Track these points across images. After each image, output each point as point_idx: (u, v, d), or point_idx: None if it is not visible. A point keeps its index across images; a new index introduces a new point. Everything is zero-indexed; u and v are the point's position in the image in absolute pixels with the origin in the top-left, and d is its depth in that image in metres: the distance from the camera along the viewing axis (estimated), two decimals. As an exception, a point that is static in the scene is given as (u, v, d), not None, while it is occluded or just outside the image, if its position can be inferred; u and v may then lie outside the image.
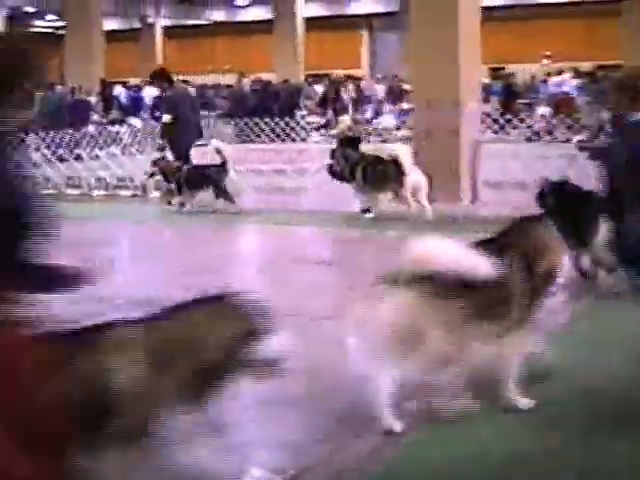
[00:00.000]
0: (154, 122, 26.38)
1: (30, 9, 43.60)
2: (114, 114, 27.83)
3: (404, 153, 12.88)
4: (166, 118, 15.11)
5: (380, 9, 44.45)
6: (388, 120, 27.75)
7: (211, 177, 14.00)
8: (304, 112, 29.25)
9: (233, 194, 13.88)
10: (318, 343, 6.93)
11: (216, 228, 13.09)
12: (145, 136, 24.37)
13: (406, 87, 25.33)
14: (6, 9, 40.38)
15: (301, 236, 12.44)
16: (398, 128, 25.91)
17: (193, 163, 14.91)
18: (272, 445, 5.16)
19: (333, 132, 27.47)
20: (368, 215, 13.02)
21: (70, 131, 21.15)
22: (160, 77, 15.45)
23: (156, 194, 15.66)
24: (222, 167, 13.97)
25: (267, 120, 27.57)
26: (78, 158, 19.30)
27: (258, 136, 27.66)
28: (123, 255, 11.89)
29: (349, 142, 14.04)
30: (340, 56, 44.29)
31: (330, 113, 28.61)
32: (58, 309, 7.93)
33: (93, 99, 27.85)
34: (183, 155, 14.98)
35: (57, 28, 44.15)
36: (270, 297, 8.43)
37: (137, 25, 46.79)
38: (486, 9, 15.03)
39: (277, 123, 27.56)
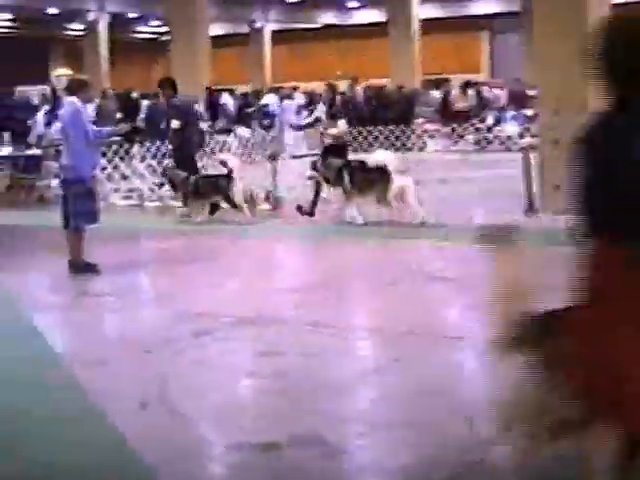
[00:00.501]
0: (263, 131, 26.73)
1: (133, 15, 44.60)
2: (221, 123, 28.19)
3: (390, 160, 14.25)
4: (175, 124, 15.83)
5: (501, 9, 44.11)
6: (511, 127, 27.50)
7: (220, 186, 14.89)
8: (421, 119, 29.18)
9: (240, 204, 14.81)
10: (444, 364, 6.95)
11: (321, 241, 13.16)
12: (254, 146, 24.66)
13: (530, 92, 25.05)
14: (109, 15, 41.40)
15: (419, 250, 12.41)
16: (521, 136, 25.65)
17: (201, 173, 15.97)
18: (387, 471, 5.17)
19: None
20: (358, 222, 14.04)
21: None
22: (166, 85, 16.40)
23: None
24: (229, 177, 14.88)
25: (381, 128, 27.62)
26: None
27: (371, 145, 27.72)
28: (226, 270, 12.05)
29: (335, 150, 15.22)
30: (458, 59, 44.13)
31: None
32: (165, 326, 8.12)
33: (198, 107, 28.27)
34: (189, 164, 15.77)
35: (161, 34, 45.08)
36: (391, 314, 8.56)
37: (244, 30, 47.41)
38: (616, 5, 14.74)
39: (392, 131, 27.60)
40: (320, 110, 19.57)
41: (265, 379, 6.85)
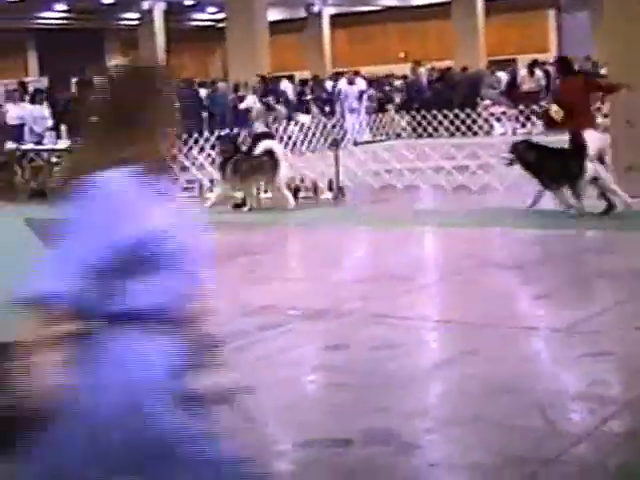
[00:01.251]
0: (324, 118, 26.72)
1: (189, 2, 44.80)
2: (280, 111, 28.23)
3: (276, 147, 15.57)
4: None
5: (567, -15, 43.61)
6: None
7: (264, 167, 15.16)
8: (487, 102, 28.96)
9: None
10: (517, 356, 6.91)
11: (387, 230, 13.14)
12: (315, 133, 24.67)
13: (601, 71, 24.76)
14: (165, 3, 41.63)
15: (486, 238, 12.33)
16: (592, 116, 25.31)
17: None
18: (459, 467, 5.15)
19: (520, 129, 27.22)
20: (245, 208, 15.16)
21: (236, 129, 21.60)
22: None
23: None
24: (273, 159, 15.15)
25: (446, 112, 27.48)
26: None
27: (436, 130, 27.62)
28: (289, 262, 12.08)
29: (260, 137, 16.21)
30: (525, 39, 43.68)
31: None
32: (232, 320, 8.17)
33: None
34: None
35: (218, 21, 45.22)
36: (458, 304, 8.53)
37: (302, 14, 47.39)
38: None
39: (457, 115, 27.44)
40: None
41: (332, 373, 6.86)
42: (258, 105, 22.75)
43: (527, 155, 13.24)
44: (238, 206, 15.84)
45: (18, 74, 41.00)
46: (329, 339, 7.72)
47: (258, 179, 15.62)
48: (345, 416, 5.90)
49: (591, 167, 12.43)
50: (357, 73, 31.35)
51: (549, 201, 13.07)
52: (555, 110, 13.57)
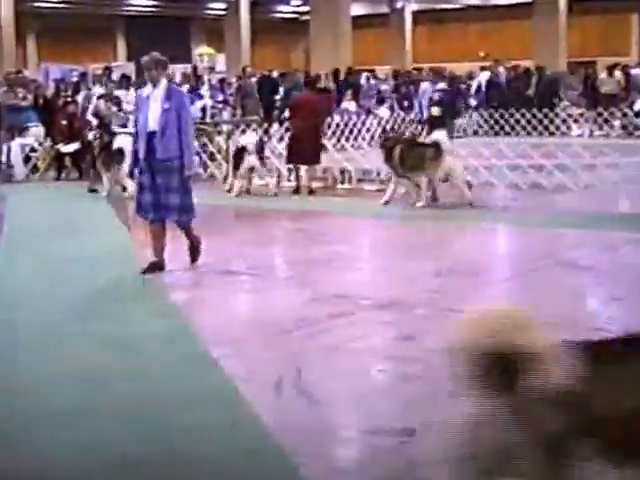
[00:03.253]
0: (402, 112, 26.63)
1: (275, -6, 44.98)
2: (362, 104, 28.17)
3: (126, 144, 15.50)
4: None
5: (652, -10, 42.82)
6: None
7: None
8: (566, 103, 28.59)
9: None
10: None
11: (461, 226, 13.02)
12: (393, 127, 24.59)
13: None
14: (251, -5, 41.79)
15: (561, 237, 12.15)
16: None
17: None
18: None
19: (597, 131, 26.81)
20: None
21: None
22: None
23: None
24: None
25: (524, 111, 27.20)
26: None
27: (513, 128, 27.36)
28: (362, 252, 12.03)
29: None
30: (606, 42, 43.05)
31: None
32: (301, 307, 8.14)
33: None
34: None
35: (302, 13, 45.27)
36: (529, 302, 8.40)
37: (385, 10, 47.26)
38: None
39: (535, 115, 27.15)
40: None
41: (401, 364, 6.80)
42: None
43: None
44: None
45: (107, 59, 41.52)
46: (399, 330, 7.66)
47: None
48: (412, 407, 5.85)
49: None
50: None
51: (624, 204, 12.85)
52: None
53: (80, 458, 5.18)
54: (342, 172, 17.47)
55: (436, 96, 18.34)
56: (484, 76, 30.72)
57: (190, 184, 9.97)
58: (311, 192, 16.50)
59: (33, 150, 20.26)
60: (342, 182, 17.32)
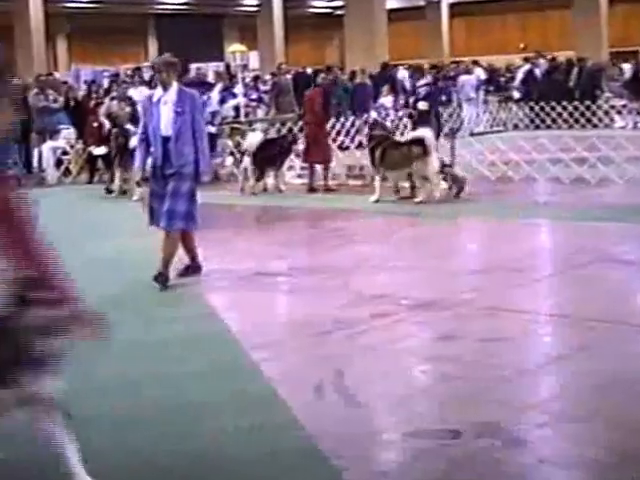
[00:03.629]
0: (441, 107, 26.53)
1: (308, -11, 45.02)
2: (399, 99, 28.10)
3: None
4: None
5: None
6: None
7: None
8: (608, 94, 28.39)
9: None
10: (634, 354, 6.77)
11: (502, 222, 12.97)
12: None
13: None
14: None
15: (605, 232, 12.09)
16: None
17: None
18: (570, 464, 5.06)
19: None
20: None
21: (351, 118, 21.64)
22: None
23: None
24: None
25: (565, 104, 27.06)
26: (359, 146, 19.77)
27: (554, 121, 27.24)
28: (402, 251, 12.03)
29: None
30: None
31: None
32: (340, 308, 8.16)
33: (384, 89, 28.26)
34: None
35: (336, 8, 45.28)
36: (573, 299, 8.38)
37: (421, 3, 47.16)
38: None
39: (576, 107, 27.00)
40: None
41: (443, 364, 6.81)
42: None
43: None
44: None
45: (138, 59, 41.76)
46: (440, 330, 7.67)
47: None
48: (455, 407, 5.86)
49: None
50: (476, 63, 31.07)
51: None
52: None
53: (118, 463, 5.23)
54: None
55: (422, 91, 18.29)
56: (524, 68, 30.58)
57: (197, 192, 9.76)
58: (327, 190, 16.87)
59: (65, 153, 20.39)
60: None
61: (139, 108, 18.08)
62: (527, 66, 30.69)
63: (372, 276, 9.81)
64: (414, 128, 16.53)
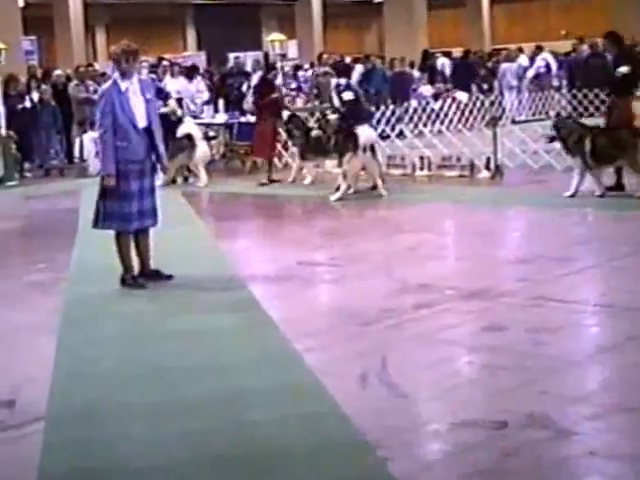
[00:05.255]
0: (482, 95, 26.43)
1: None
2: (439, 87, 28.05)
3: (194, 129, 17.33)
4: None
5: None
6: None
7: None
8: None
9: None
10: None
11: (545, 211, 12.89)
12: (472, 110, 24.44)
13: None
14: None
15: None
16: None
17: None
18: (622, 457, 5.02)
19: None
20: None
21: (392, 107, 21.57)
22: None
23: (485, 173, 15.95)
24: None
25: (609, 91, 26.79)
26: (400, 135, 19.71)
27: (597, 109, 27.00)
28: (447, 240, 12.00)
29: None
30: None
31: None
32: (385, 298, 8.14)
33: (415, 72, 28.23)
34: None
35: (376, -4, 45.17)
36: (620, 288, 8.31)
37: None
38: None
39: (620, 94, 26.72)
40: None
41: (489, 355, 6.78)
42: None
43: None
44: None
45: (177, 49, 41.92)
46: (486, 320, 7.64)
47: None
48: (503, 398, 5.83)
49: None
50: (520, 50, 30.84)
51: None
52: None
53: (161, 454, 5.27)
54: (421, 158, 17.40)
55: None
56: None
57: None
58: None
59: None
60: (421, 169, 17.26)
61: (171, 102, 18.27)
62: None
63: (417, 265, 9.79)
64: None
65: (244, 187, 16.66)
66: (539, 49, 30.78)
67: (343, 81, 17.00)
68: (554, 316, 7.62)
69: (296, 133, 16.69)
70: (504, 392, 5.94)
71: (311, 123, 17.88)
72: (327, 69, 18.61)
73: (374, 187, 14.79)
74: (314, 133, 16.20)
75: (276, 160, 17.90)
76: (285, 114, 17.17)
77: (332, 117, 16.14)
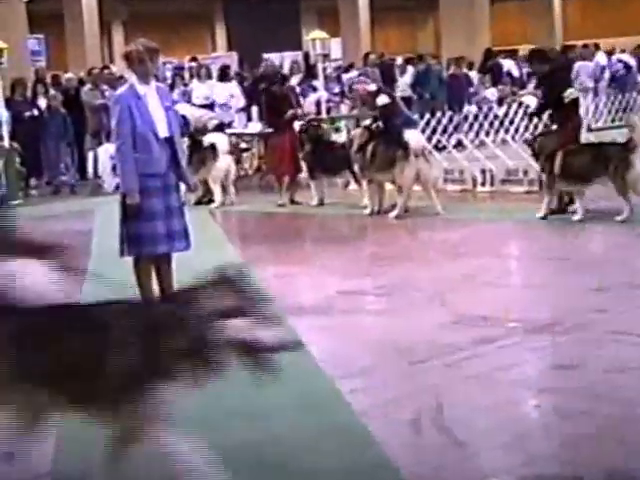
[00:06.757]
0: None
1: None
2: (503, 90, 27.96)
3: (220, 139, 17.63)
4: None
5: None
6: None
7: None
8: None
9: None
10: None
11: (625, 232, 12.77)
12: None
13: None
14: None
15: None
16: None
17: None
18: None
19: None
20: None
21: (449, 113, 21.58)
22: None
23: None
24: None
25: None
26: (458, 145, 19.69)
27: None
28: (511, 265, 11.96)
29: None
30: None
31: None
32: (440, 332, 8.12)
33: (474, 73, 28.19)
34: None
35: (431, -10, 45.27)
36: None
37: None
38: None
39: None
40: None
41: (561, 397, 6.75)
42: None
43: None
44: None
45: (205, 49, 42.16)
46: (557, 357, 7.64)
47: None
48: (575, 449, 5.80)
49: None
50: (597, 47, 30.73)
51: None
52: None
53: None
54: (482, 172, 17.39)
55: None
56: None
57: None
58: None
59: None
60: (483, 184, 17.24)
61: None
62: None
63: (476, 294, 9.77)
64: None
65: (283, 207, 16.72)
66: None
67: (354, 74, 17.13)
68: (635, 354, 7.57)
69: (306, 147, 16.73)
70: (577, 442, 5.90)
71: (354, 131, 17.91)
72: (362, 71, 18.69)
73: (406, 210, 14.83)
74: (324, 145, 16.48)
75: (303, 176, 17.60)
76: (297, 124, 17.20)
77: (357, 131, 16.25)
